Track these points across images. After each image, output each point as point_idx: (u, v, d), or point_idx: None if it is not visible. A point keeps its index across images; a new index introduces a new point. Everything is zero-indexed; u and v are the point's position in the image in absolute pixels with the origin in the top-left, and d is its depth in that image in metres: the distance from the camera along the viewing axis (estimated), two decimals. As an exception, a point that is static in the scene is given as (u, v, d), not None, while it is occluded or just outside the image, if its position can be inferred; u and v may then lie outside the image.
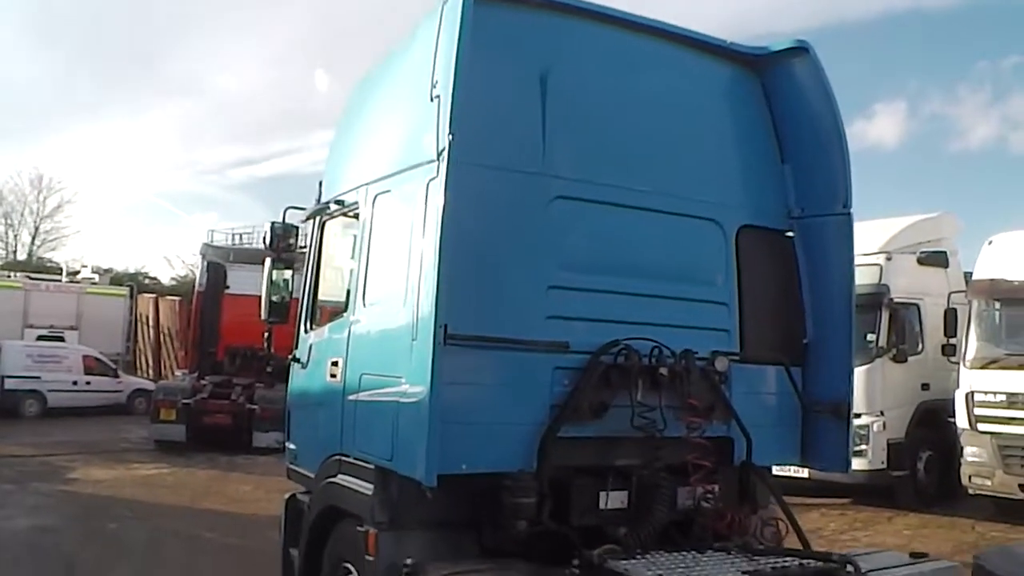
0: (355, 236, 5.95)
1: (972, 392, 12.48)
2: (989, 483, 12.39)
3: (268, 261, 6.82)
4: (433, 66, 4.94)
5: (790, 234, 6.14)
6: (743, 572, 4.57)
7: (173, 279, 46.96)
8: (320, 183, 6.78)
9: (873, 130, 69.19)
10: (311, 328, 6.65)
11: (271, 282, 6.80)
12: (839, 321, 5.98)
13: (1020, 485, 12.05)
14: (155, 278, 48.28)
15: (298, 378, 6.83)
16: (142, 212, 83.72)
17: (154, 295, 35.28)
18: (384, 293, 5.37)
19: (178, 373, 24.38)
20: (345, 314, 5.95)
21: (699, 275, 5.73)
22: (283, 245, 6.76)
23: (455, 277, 4.69)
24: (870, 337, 13.27)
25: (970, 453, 12.57)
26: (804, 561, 4.88)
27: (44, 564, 9.69)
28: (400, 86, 5.61)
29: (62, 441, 19.91)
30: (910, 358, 13.59)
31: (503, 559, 4.79)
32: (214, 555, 10.23)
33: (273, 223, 6.76)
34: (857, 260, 13.47)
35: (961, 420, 12.63)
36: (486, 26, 4.92)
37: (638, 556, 4.74)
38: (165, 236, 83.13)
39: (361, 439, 5.47)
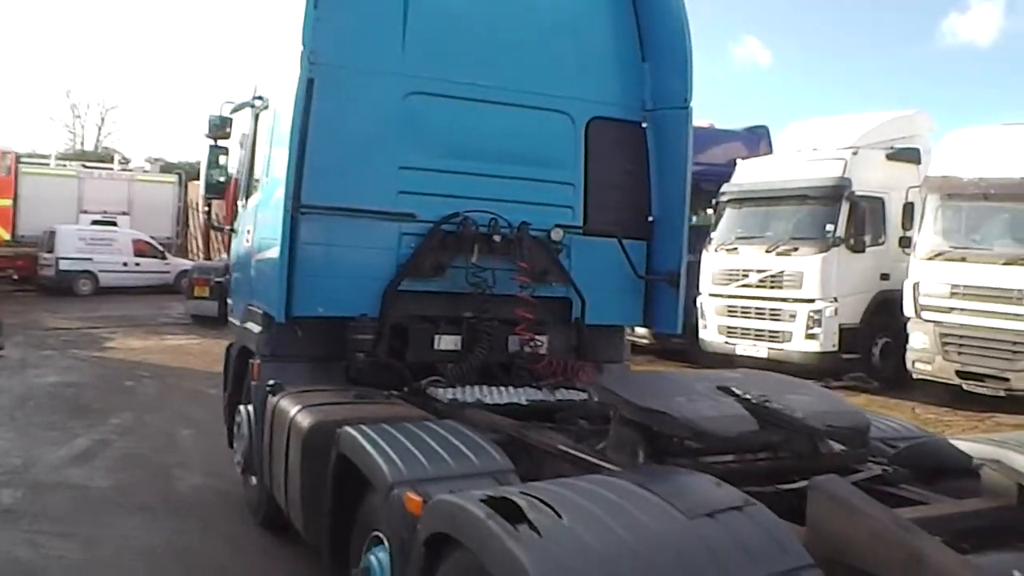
0: (268, 125, 7.04)
1: (918, 282, 13.18)
2: (929, 368, 13.13)
3: (208, 147, 7.94)
4: None
5: (644, 125, 7.01)
6: (528, 399, 5.64)
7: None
8: (255, 84, 7.83)
9: (966, 25, 66.78)
10: (245, 204, 7.80)
11: (209, 165, 7.94)
12: (676, 203, 6.85)
13: (956, 371, 12.79)
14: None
15: (233, 245, 8.06)
16: (207, 103, 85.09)
17: (204, 183, 36.73)
18: (275, 172, 6.46)
19: (224, 256, 25.90)
20: (258, 190, 7.11)
21: (546, 159, 6.66)
22: (219, 134, 7.87)
23: (312, 158, 5.83)
24: (828, 227, 14.04)
25: (914, 340, 13.31)
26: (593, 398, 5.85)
27: (60, 407, 11.23)
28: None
29: (108, 316, 21.74)
30: (871, 249, 14.29)
31: (353, 385, 5.95)
32: (208, 406, 11.49)
33: (211, 115, 7.85)
34: (825, 154, 14.29)
35: (908, 309, 13.30)
36: None
37: (457, 387, 5.86)
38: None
39: (258, 290, 6.69)
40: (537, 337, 6.38)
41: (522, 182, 6.55)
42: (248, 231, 7.18)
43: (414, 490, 3.56)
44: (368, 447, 4.05)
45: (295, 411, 5.19)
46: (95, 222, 29.14)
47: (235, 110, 7.82)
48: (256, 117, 7.66)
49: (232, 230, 8.05)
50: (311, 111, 5.85)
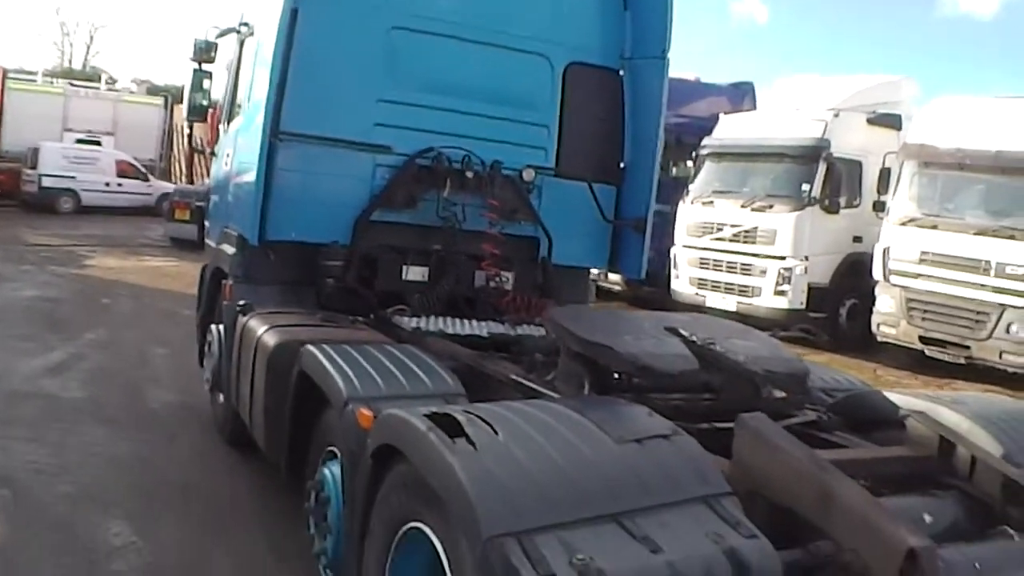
0: (252, 52, 7.11)
1: (889, 247, 13.38)
2: (894, 332, 13.37)
3: (192, 71, 8.00)
4: None
5: (621, 73, 7.13)
6: (489, 332, 5.83)
7: (223, 94, 48.07)
8: (242, 10, 7.87)
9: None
10: (226, 128, 7.89)
11: (193, 88, 8.01)
12: (648, 151, 6.99)
13: (919, 336, 13.03)
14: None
15: (213, 168, 8.17)
16: (197, 27, 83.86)
17: (191, 106, 36.57)
18: (256, 99, 6.54)
19: (207, 180, 25.80)
20: (239, 116, 7.20)
21: (523, 100, 6.77)
22: (204, 58, 7.91)
23: (293, 87, 5.94)
24: (804, 187, 14.19)
25: (881, 303, 13.51)
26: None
27: (36, 320, 11.39)
28: None
29: (88, 234, 21.76)
30: (845, 211, 14.45)
31: (321, 309, 6.11)
32: (182, 327, 11.60)
33: (196, 39, 7.89)
34: (806, 114, 14.39)
35: (877, 272, 13.50)
36: None
37: (422, 316, 6.04)
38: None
39: (234, 213, 6.82)
40: (503, 273, 6.56)
41: (498, 121, 6.66)
42: (228, 155, 7.30)
43: (367, 406, 3.74)
44: (327, 365, 4.24)
45: (263, 331, 5.37)
46: (79, 141, 28.99)
47: (221, 35, 7.87)
48: (241, 43, 7.72)
49: (213, 154, 8.15)
50: (294, 41, 5.95)
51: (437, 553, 2.94)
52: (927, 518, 3.46)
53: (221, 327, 6.70)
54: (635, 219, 7.03)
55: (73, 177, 26.60)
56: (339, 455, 4.12)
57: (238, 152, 6.92)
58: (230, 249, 6.67)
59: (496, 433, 2.95)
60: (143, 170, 28.67)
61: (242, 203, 6.45)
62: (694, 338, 4.31)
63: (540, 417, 3.13)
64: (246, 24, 7.42)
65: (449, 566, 2.85)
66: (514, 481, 2.75)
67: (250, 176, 6.17)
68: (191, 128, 8.93)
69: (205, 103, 8.16)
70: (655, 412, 3.39)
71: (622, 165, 7.12)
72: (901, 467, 3.91)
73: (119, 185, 27.47)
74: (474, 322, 6.05)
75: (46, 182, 26.19)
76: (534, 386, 4.25)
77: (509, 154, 6.63)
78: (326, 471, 4.25)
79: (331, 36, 6.17)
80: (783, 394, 4.56)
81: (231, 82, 7.91)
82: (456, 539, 2.79)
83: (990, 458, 3.75)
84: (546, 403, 3.49)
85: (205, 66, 8.00)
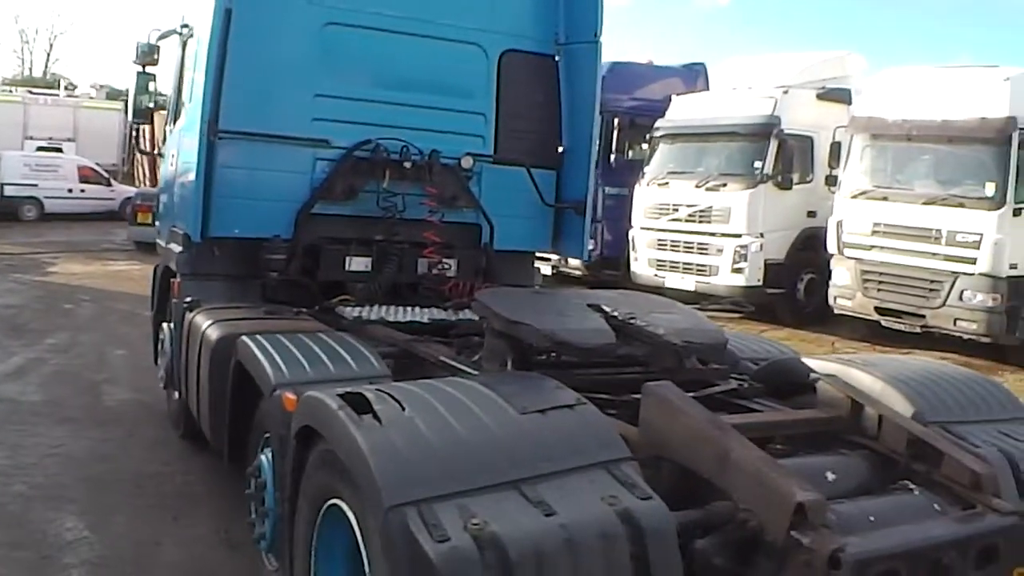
0: (192, 53, 7.20)
1: (842, 220, 13.59)
2: (850, 304, 13.58)
3: (136, 74, 8.07)
4: None
5: (557, 58, 7.26)
6: (430, 318, 5.97)
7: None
8: (183, 13, 7.96)
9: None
10: (172, 128, 7.97)
11: (138, 91, 8.08)
12: (584, 134, 7.14)
13: (875, 307, 13.25)
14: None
15: (161, 168, 8.25)
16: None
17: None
18: (196, 98, 6.64)
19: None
20: (183, 115, 7.30)
21: (459, 89, 6.90)
22: (148, 61, 7.99)
23: (230, 85, 6.04)
24: (757, 164, 14.38)
25: (836, 276, 13.73)
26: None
27: (-2, 327, 11.43)
28: None
29: (52, 241, 21.69)
30: (798, 186, 14.66)
31: (267, 303, 6.22)
32: (142, 327, 11.67)
33: (139, 42, 7.97)
34: (756, 92, 14.51)
35: (831, 246, 13.72)
36: None
37: (365, 305, 6.16)
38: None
39: (179, 212, 6.93)
40: (445, 260, 6.70)
41: (435, 111, 6.78)
42: (173, 155, 7.40)
43: (293, 391, 3.87)
44: (258, 354, 4.37)
45: (207, 325, 5.48)
46: (40, 148, 28.89)
47: (162, 37, 7.95)
48: (183, 45, 7.80)
49: (160, 154, 8.24)
50: (229, 40, 6.05)
51: (352, 527, 3.08)
52: (830, 476, 3.62)
53: (172, 325, 6.80)
54: (575, 201, 7.18)
55: (35, 185, 26.47)
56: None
57: (181, 152, 7.02)
58: (177, 247, 6.78)
59: (403, 409, 3.09)
60: (105, 175, 28.57)
61: (185, 201, 6.55)
62: (615, 314, 4.46)
63: (449, 392, 3.27)
64: (186, 25, 7.50)
65: (362, 538, 2.99)
66: (416, 452, 2.88)
67: (191, 175, 6.27)
68: (137, 130, 9.01)
69: (150, 105, 8.23)
70: (566, 385, 3.52)
71: (560, 149, 7.25)
72: (811, 428, 4.07)
73: (82, 191, 27.37)
74: (416, 309, 6.18)
75: (8, 191, 26.05)
76: (458, 366, 4.40)
77: (447, 143, 6.74)
78: (262, 456, 4.38)
79: (266, 34, 6.27)
80: (713, 365, 4.74)
81: (175, 83, 7.99)
82: (365, 511, 2.92)
83: (896, 417, 3.92)
84: (459, 379, 3.63)
85: (149, 68, 8.06)
